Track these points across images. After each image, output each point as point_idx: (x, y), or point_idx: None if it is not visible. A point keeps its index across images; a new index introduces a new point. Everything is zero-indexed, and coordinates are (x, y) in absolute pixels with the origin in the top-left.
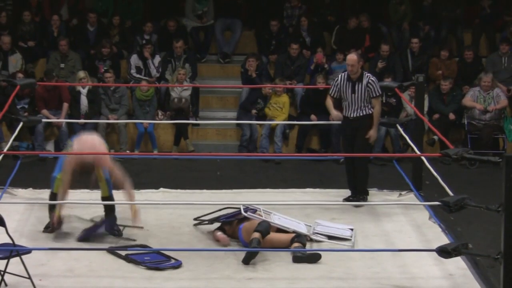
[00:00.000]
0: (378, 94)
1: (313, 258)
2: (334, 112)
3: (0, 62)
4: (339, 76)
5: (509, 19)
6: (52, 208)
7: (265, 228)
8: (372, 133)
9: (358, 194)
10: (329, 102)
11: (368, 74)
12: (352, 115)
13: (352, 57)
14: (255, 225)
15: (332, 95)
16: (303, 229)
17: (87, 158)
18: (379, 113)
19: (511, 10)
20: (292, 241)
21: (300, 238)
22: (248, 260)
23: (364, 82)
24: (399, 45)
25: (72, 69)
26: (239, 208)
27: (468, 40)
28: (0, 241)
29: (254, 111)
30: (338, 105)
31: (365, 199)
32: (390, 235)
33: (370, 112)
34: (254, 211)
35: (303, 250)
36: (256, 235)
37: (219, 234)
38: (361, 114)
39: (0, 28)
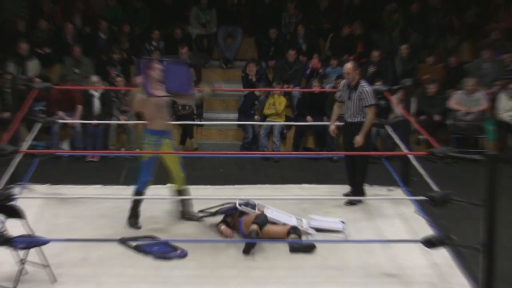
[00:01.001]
0: (369, 103)
1: (309, 248)
2: (331, 126)
3: (19, 67)
4: (343, 81)
5: (492, 26)
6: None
7: (263, 220)
8: (358, 139)
9: (353, 194)
10: (334, 111)
11: (364, 84)
12: (348, 120)
13: (347, 65)
14: (252, 219)
15: (336, 99)
16: (294, 223)
17: None
18: (371, 122)
19: (493, 20)
20: (289, 233)
21: (296, 230)
22: (248, 250)
23: (358, 90)
24: (389, 51)
25: (85, 74)
26: (235, 203)
27: (453, 47)
28: (21, 233)
29: (256, 117)
30: None
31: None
32: (380, 227)
33: (363, 120)
34: (254, 205)
35: (299, 241)
36: (254, 227)
37: (223, 228)
38: (355, 120)
39: (17, 36)
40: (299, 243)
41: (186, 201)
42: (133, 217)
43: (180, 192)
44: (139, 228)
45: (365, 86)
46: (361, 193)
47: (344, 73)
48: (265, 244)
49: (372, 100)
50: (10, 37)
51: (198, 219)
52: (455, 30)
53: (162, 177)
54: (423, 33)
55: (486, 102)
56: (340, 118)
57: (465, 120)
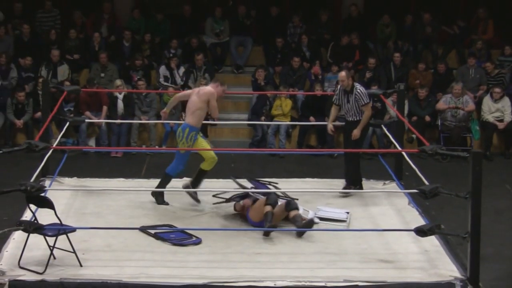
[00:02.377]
0: (365, 103)
1: (310, 224)
2: (329, 125)
3: (51, 72)
4: (338, 87)
5: (475, 38)
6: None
7: (274, 200)
8: (355, 132)
9: (348, 184)
10: (332, 113)
11: (357, 86)
12: (349, 119)
13: (341, 74)
14: (261, 204)
15: (334, 102)
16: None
17: None
18: (368, 117)
19: (475, 32)
20: (287, 209)
21: (290, 205)
22: (268, 233)
23: (354, 93)
24: (383, 59)
25: (110, 78)
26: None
27: (442, 55)
28: (50, 222)
29: (263, 118)
30: None
31: (351, 189)
32: (376, 218)
33: (361, 118)
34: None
35: (303, 230)
36: (268, 208)
37: (241, 202)
38: (355, 119)
39: (50, 43)
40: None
41: (199, 181)
42: (160, 195)
43: (202, 171)
44: (167, 204)
45: (358, 88)
46: (356, 181)
47: (339, 80)
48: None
49: (366, 100)
50: (44, 45)
51: (196, 200)
52: (442, 41)
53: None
54: (413, 43)
55: (472, 105)
56: (340, 118)
57: (453, 120)
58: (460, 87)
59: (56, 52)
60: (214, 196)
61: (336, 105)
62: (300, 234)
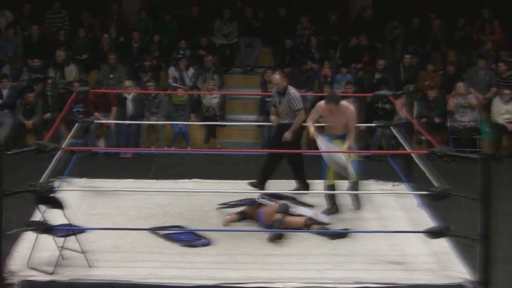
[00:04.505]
0: (297, 108)
1: (343, 235)
2: (271, 117)
3: (58, 73)
4: (274, 88)
5: (484, 39)
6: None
7: (286, 209)
8: (286, 134)
9: (298, 187)
10: (273, 112)
11: (291, 89)
12: (282, 121)
13: (275, 76)
14: (273, 209)
15: (271, 103)
16: (309, 214)
17: None
18: (300, 121)
19: (484, 32)
20: (306, 224)
21: (313, 220)
22: (273, 239)
23: (287, 95)
24: (392, 60)
25: (119, 79)
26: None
27: (450, 56)
28: (59, 222)
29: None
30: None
31: (301, 189)
32: (385, 219)
33: (292, 121)
34: (270, 198)
35: (326, 231)
36: (278, 216)
37: (224, 218)
38: (285, 122)
39: (58, 44)
40: (335, 232)
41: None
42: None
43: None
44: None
45: (292, 92)
46: (305, 186)
47: (273, 83)
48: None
49: (299, 105)
50: (52, 46)
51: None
52: (450, 42)
53: (187, 173)
54: (422, 44)
55: (476, 102)
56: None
57: (462, 122)
58: (462, 85)
59: (61, 53)
60: (219, 207)
61: (274, 106)
62: (333, 237)
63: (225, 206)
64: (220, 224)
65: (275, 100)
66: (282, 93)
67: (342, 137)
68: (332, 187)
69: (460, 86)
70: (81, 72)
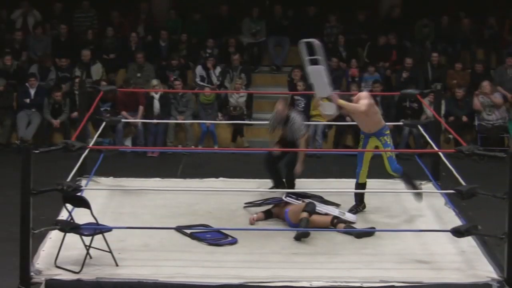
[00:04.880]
0: (300, 134)
1: (370, 234)
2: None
3: (84, 72)
4: (272, 114)
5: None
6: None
7: (312, 208)
8: (297, 168)
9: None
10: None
11: (293, 115)
12: (287, 140)
13: (279, 107)
14: (300, 208)
15: (272, 128)
16: (336, 213)
17: None
18: (303, 154)
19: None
20: (333, 222)
21: (339, 219)
22: (299, 237)
23: (290, 123)
24: (420, 59)
25: (147, 78)
26: (280, 197)
27: (480, 55)
28: (86, 221)
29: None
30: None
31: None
32: (412, 218)
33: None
34: (297, 199)
35: (354, 230)
36: (305, 214)
37: (251, 217)
38: (292, 140)
39: (87, 43)
40: (362, 231)
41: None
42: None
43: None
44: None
45: (295, 119)
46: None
47: (276, 113)
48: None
49: (302, 131)
50: (80, 45)
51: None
52: (479, 41)
53: (215, 172)
54: (451, 43)
55: (500, 99)
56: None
57: (490, 120)
58: (488, 84)
59: (86, 52)
60: (245, 206)
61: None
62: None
63: (251, 205)
64: (248, 223)
65: (274, 126)
66: (285, 121)
67: (376, 134)
68: (363, 186)
69: (486, 84)
70: (108, 71)
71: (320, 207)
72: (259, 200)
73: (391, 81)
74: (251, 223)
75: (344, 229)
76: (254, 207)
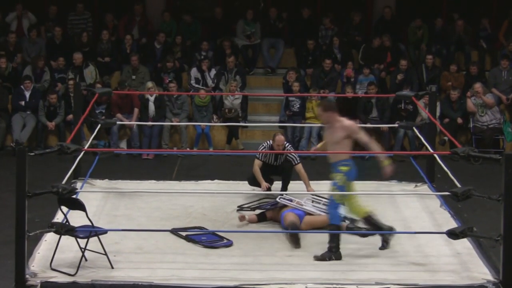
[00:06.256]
0: (296, 163)
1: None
2: (263, 184)
3: (77, 75)
4: (264, 145)
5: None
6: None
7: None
8: (310, 189)
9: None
10: (256, 170)
11: (289, 147)
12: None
13: (279, 139)
14: (293, 215)
15: (260, 159)
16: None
17: None
18: (305, 174)
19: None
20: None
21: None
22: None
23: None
24: (415, 61)
25: (141, 80)
26: (275, 200)
27: (474, 57)
28: (81, 223)
29: (287, 112)
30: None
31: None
32: (407, 220)
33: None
34: (290, 200)
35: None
36: (293, 219)
37: (240, 215)
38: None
39: (82, 46)
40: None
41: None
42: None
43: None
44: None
45: (291, 149)
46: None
47: (275, 145)
48: (305, 234)
49: (297, 160)
50: (74, 48)
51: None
52: (474, 43)
53: (210, 174)
54: (445, 45)
55: (492, 100)
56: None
57: (485, 122)
58: (480, 86)
59: (78, 56)
60: (238, 209)
61: (261, 161)
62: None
63: (245, 209)
64: (243, 225)
65: (269, 157)
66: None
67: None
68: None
69: (478, 86)
70: (102, 74)
71: (313, 209)
72: (253, 205)
73: (386, 83)
74: (241, 221)
75: (342, 231)
76: (249, 212)
